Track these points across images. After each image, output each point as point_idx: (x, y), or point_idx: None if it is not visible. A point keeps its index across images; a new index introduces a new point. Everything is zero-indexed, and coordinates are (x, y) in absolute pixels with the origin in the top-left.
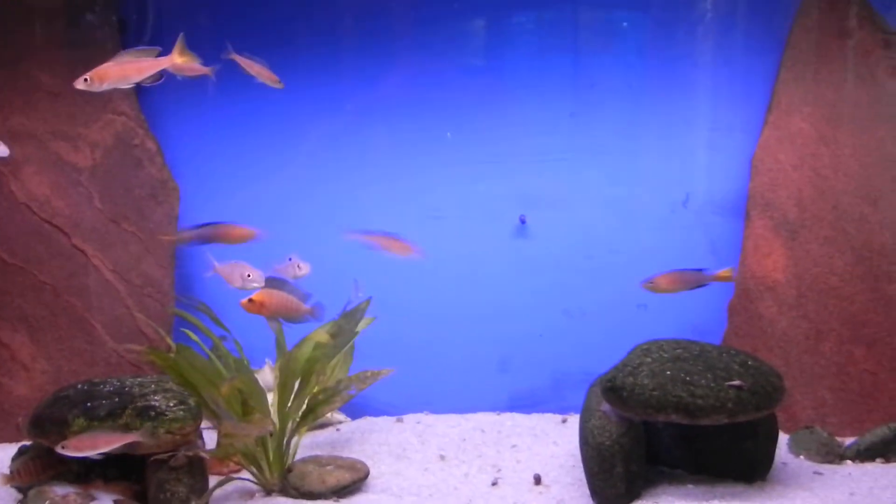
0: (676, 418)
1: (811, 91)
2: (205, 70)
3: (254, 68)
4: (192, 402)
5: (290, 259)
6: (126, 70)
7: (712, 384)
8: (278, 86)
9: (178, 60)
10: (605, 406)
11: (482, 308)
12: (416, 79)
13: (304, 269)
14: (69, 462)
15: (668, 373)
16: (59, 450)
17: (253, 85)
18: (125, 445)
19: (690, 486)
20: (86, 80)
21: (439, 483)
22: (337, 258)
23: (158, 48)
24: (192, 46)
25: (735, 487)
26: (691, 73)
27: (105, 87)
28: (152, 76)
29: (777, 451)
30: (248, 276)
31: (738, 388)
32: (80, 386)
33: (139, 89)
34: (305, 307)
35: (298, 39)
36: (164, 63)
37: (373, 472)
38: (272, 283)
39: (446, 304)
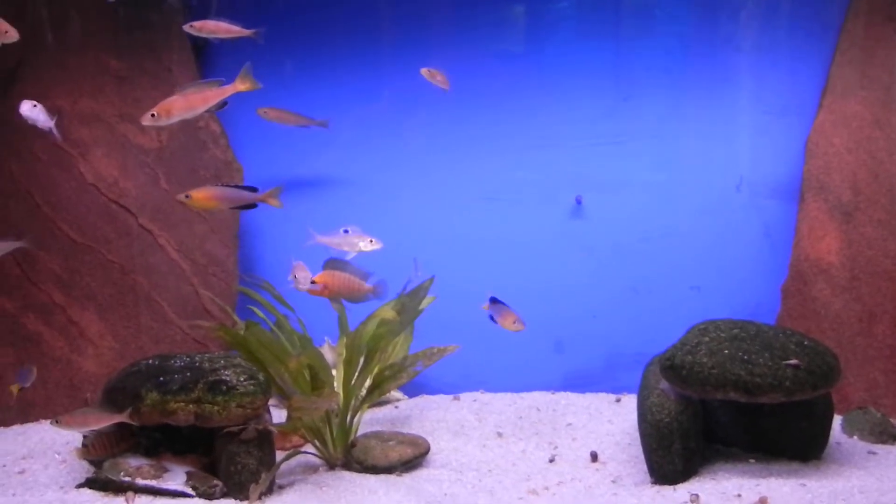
0: (735, 396)
1: (866, 74)
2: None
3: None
4: (261, 377)
5: (345, 231)
6: (191, 101)
7: (770, 363)
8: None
9: (241, 87)
10: (664, 384)
11: (537, 288)
12: (472, 63)
13: (374, 243)
14: (139, 436)
15: (727, 351)
16: (52, 424)
17: (312, 72)
18: (195, 418)
19: (747, 463)
20: (152, 115)
21: (498, 459)
22: (397, 238)
23: (222, 79)
24: (251, 26)
25: (791, 465)
26: (745, 57)
27: (172, 120)
28: (217, 104)
29: (830, 431)
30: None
31: (795, 367)
32: (151, 361)
33: (204, 72)
34: (367, 286)
35: (361, 24)
36: (228, 91)
37: (433, 448)
38: (334, 263)
39: (502, 284)
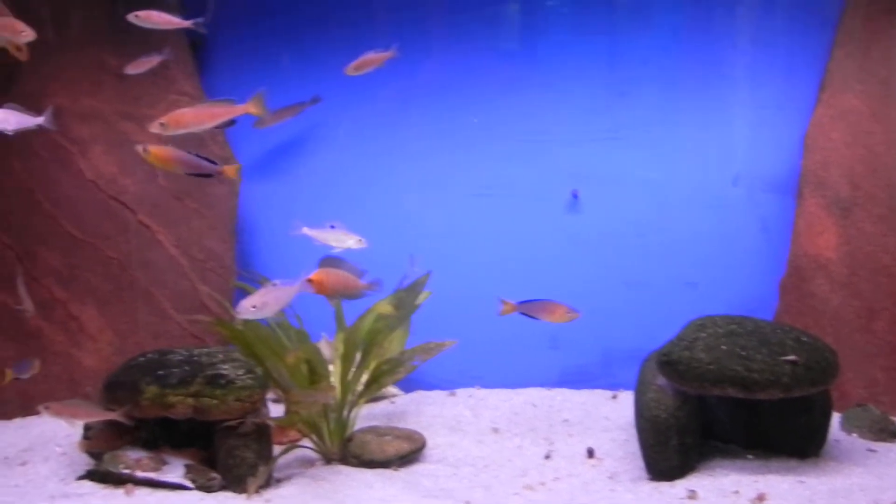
0: (732, 392)
1: (864, 68)
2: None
3: None
4: (258, 371)
5: (332, 227)
6: (201, 116)
7: (767, 359)
8: None
9: (251, 110)
10: (661, 380)
11: (532, 283)
12: (465, 57)
13: (361, 242)
14: (139, 429)
15: (724, 347)
16: (41, 410)
17: (310, 69)
18: (194, 411)
19: (744, 460)
20: (161, 124)
21: (494, 455)
22: (392, 233)
23: (234, 98)
24: (248, 26)
25: (789, 462)
26: (742, 52)
27: (179, 131)
28: (224, 121)
29: (829, 428)
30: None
31: (793, 362)
32: (150, 355)
33: (202, 69)
34: (363, 283)
35: (354, 19)
36: (238, 112)
37: (429, 443)
38: (329, 261)
39: (497, 279)
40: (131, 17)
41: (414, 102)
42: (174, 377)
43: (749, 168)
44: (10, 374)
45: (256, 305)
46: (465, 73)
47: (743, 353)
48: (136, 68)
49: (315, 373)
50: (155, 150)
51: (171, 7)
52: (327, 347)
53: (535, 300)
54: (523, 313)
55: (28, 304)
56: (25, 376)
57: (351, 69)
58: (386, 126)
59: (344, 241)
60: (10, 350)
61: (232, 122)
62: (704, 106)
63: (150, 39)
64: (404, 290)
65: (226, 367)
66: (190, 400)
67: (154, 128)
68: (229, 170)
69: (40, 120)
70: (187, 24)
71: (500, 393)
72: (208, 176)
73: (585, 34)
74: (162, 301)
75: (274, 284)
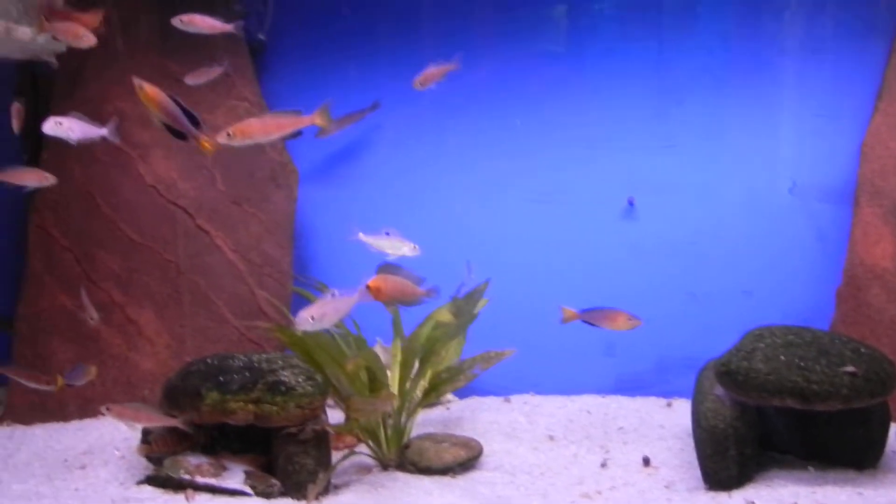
0: (791, 403)
1: None
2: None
3: None
4: (318, 377)
5: (386, 233)
6: (267, 127)
7: (826, 370)
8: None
9: (317, 122)
10: (719, 389)
11: (587, 290)
12: (523, 62)
13: (415, 250)
14: (197, 434)
15: (783, 358)
16: (103, 410)
17: (367, 74)
18: (255, 418)
19: (802, 470)
20: (228, 134)
21: (550, 462)
22: (444, 240)
23: (300, 110)
24: (305, 33)
25: (846, 473)
26: (797, 60)
27: (245, 142)
28: (291, 132)
29: (887, 440)
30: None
31: (852, 374)
32: (209, 360)
33: (261, 74)
34: (421, 290)
35: (405, 25)
36: (304, 123)
37: (485, 450)
38: (387, 268)
39: (552, 286)
40: (175, 22)
41: (471, 108)
42: (235, 383)
43: (805, 176)
44: (61, 380)
45: (315, 316)
46: (522, 79)
47: (802, 364)
48: (196, 78)
49: (375, 380)
50: (149, 88)
51: (234, 13)
52: (383, 352)
53: (596, 308)
54: (584, 321)
55: (92, 312)
56: (79, 383)
57: (418, 83)
58: (443, 131)
59: (399, 248)
60: (68, 352)
61: (298, 133)
62: (760, 114)
63: (211, 45)
64: (463, 299)
65: (286, 373)
66: (251, 406)
67: (221, 138)
68: (206, 142)
69: (104, 131)
70: (229, 28)
71: (555, 400)
72: (182, 137)
73: (641, 41)
74: (219, 305)
75: (332, 294)
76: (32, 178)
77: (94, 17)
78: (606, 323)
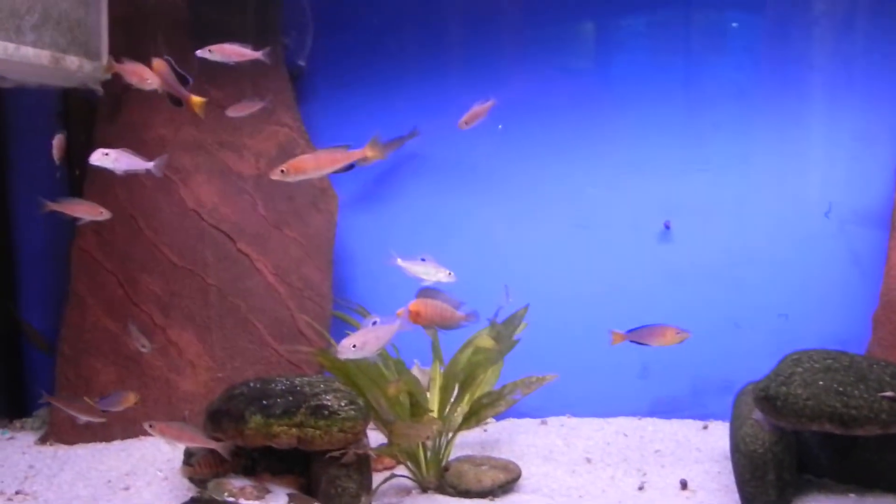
0: (830, 428)
1: None
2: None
3: None
4: (360, 402)
5: (422, 259)
6: (320, 162)
7: (865, 395)
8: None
9: (369, 154)
10: (758, 414)
11: (623, 313)
12: (558, 87)
13: (451, 276)
14: (239, 456)
15: (821, 383)
16: (146, 427)
17: (406, 102)
18: (298, 441)
19: (840, 495)
20: (282, 171)
21: (587, 485)
22: (482, 264)
23: (349, 144)
24: (343, 59)
25: (885, 498)
26: (833, 83)
27: (300, 178)
28: (343, 166)
29: None
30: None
31: (891, 399)
32: (252, 384)
33: (299, 101)
34: (460, 314)
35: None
36: (357, 156)
37: (523, 472)
38: (426, 292)
39: (589, 308)
40: (204, 53)
41: (506, 133)
42: (278, 407)
43: (841, 200)
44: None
45: (357, 345)
46: (557, 104)
47: (840, 389)
48: (237, 111)
49: (416, 404)
50: (156, 63)
51: (275, 44)
52: (420, 374)
53: (643, 326)
54: (633, 341)
55: (143, 341)
56: (115, 409)
57: (463, 123)
58: (479, 156)
59: (434, 273)
60: (110, 374)
61: (350, 167)
62: (796, 137)
63: (252, 72)
64: (502, 324)
65: (328, 397)
66: (294, 430)
67: (275, 175)
68: (195, 100)
69: (150, 165)
70: (258, 55)
71: (591, 422)
72: (179, 104)
73: (678, 65)
74: (259, 328)
75: (373, 322)
76: (86, 211)
77: (161, 63)
78: (656, 339)
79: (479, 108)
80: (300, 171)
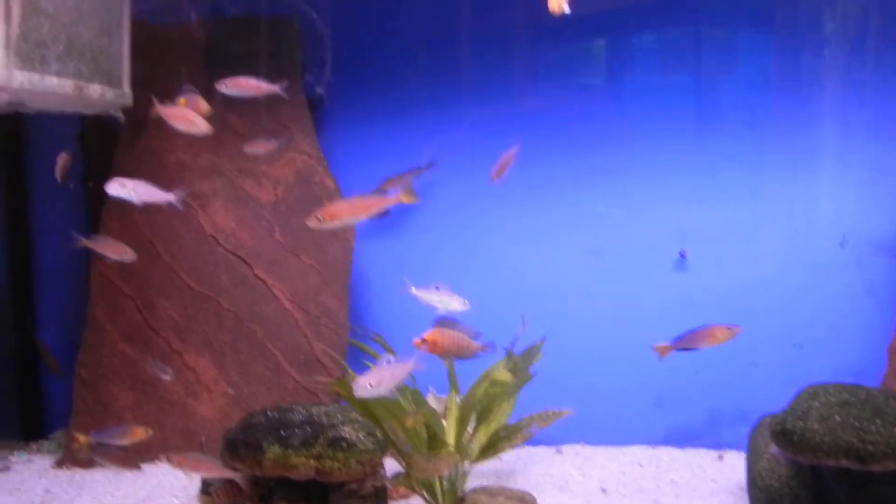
0: (846, 463)
1: None
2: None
3: None
4: (378, 433)
5: (436, 288)
6: (355, 208)
7: (882, 430)
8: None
9: (404, 200)
10: (774, 448)
11: (638, 342)
12: (574, 115)
13: (465, 304)
14: (256, 485)
15: (838, 418)
16: (165, 460)
17: (424, 132)
18: (315, 473)
19: None
20: (318, 218)
21: None
22: (498, 292)
23: (385, 189)
24: (361, 88)
25: None
26: (849, 113)
27: (335, 224)
28: (378, 211)
29: None
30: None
31: None
32: (269, 413)
33: (318, 129)
34: (477, 345)
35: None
36: (391, 202)
37: (539, 503)
38: (444, 322)
39: (604, 336)
40: (220, 87)
41: (521, 163)
42: (296, 438)
43: (856, 230)
44: (83, 438)
45: (373, 383)
46: (573, 133)
47: (857, 424)
48: (254, 148)
49: (434, 436)
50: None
51: (295, 70)
52: (436, 402)
53: (688, 332)
54: (680, 349)
55: (165, 370)
56: (115, 443)
57: (495, 175)
58: (494, 184)
59: (448, 302)
60: (127, 399)
61: (385, 213)
62: (811, 167)
63: (270, 100)
64: (520, 356)
65: (347, 428)
66: (312, 462)
67: (311, 222)
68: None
69: (170, 197)
70: (275, 89)
71: (606, 451)
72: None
73: (692, 93)
74: (276, 354)
75: (388, 361)
76: (114, 252)
77: (204, 105)
78: (706, 341)
79: (506, 156)
80: (336, 217)
